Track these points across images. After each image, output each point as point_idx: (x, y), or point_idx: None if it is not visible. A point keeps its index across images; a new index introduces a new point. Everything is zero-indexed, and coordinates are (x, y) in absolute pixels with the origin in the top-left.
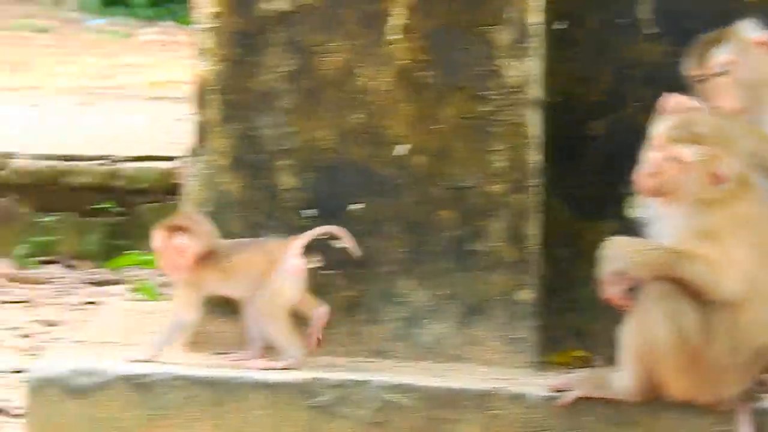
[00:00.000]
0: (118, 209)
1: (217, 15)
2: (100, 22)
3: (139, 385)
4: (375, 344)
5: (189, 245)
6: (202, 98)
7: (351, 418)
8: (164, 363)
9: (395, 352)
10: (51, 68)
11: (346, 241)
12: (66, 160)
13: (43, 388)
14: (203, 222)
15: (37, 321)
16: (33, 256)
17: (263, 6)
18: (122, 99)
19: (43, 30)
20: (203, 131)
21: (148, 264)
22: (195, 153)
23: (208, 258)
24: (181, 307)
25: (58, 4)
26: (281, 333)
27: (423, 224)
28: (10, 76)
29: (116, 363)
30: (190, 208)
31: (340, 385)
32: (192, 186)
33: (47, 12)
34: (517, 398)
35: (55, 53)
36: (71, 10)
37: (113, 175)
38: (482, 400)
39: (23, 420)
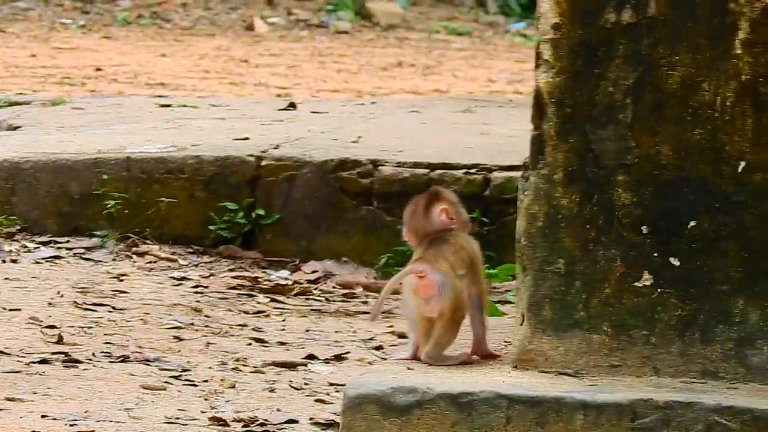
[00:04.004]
0: (483, 219)
1: (557, 26)
2: (520, 26)
3: (460, 403)
4: (705, 365)
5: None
6: (540, 110)
7: None
8: (488, 382)
9: (725, 373)
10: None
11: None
12: (435, 168)
13: (360, 405)
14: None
15: (390, 333)
16: (396, 266)
17: (606, 18)
18: (508, 106)
19: (462, 33)
20: (540, 144)
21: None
22: (530, 166)
23: None
24: None
25: (480, 8)
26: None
27: (761, 242)
28: (421, 78)
29: (438, 381)
30: (523, 222)
31: (666, 406)
32: (526, 199)
33: (470, 15)
34: None
35: (467, 57)
36: (493, 14)
37: (483, 184)
38: None
39: None
